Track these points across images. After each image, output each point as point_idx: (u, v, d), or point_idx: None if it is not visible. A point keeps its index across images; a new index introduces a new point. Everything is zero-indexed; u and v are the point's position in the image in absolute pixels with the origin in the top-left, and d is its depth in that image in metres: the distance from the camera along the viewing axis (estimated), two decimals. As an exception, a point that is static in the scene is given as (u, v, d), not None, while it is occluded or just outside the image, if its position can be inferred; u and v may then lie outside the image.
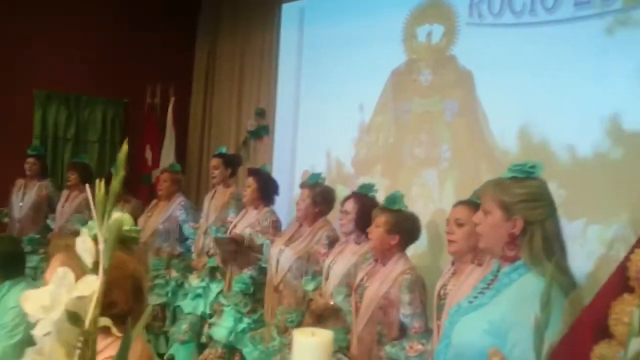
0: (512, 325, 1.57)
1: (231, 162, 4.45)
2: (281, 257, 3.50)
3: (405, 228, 2.78)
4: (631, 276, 1.22)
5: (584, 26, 3.25)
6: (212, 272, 4.16)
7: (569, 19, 3.32)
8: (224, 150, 4.59)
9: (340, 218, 3.21)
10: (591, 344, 0.80)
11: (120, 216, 0.74)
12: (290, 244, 3.53)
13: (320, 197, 3.51)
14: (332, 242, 3.41)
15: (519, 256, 1.64)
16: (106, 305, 0.67)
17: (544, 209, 1.63)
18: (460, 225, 2.61)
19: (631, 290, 1.22)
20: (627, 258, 1.28)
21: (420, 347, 2.57)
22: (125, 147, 0.68)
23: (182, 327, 4.10)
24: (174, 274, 4.40)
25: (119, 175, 0.68)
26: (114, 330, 0.75)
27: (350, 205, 3.14)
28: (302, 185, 3.65)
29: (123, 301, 1.24)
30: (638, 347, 0.74)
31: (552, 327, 0.88)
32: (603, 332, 1.19)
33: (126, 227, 1.34)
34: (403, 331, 2.70)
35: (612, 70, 3.09)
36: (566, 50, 3.29)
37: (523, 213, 1.61)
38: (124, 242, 1.34)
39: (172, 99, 5.70)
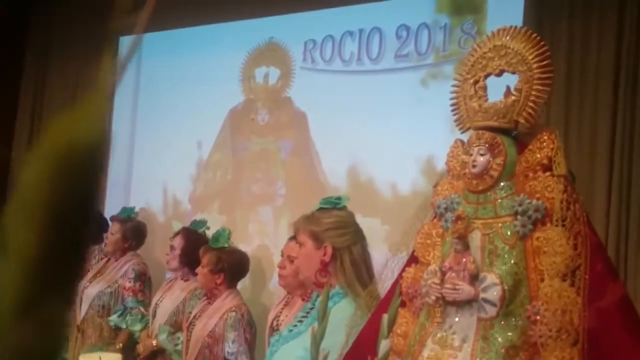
0: (326, 351, 1.65)
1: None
2: (84, 294, 3.36)
3: (229, 265, 2.82)
4: (402, 291, 1.37)
5: (403, 77, 3.60)
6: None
7: (390, 70, 3.65)
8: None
9: (166, 254, 3.16)
10: (371, 351, 0.88)
11: None
12: (95, 279, 3.41)
13: (130, 232, 3.47)
14: (139, 275, 3.36)
15: (331, 283, 1.75)
16: None
17: (350, 236, 1.77)
18: (292, 261, 2.70)
19: (403, 304, 1.36)
20: (399, 276, 1.43)
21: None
22: None
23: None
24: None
25: None
26: None
27: (177, 242, 3.12)
28: (113, 219, 3.58)
29: None
30: (386, 348, 0.83)
31: (332, 338, 0.95)
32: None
33: None
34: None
35: (426, 117, 3.44)
36: (388, 98, 3.61)
37: (331, 240, 1.73)
38: None
39: (-7, 130, 5.24)
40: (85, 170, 0.22)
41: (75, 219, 0.21)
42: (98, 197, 0.22)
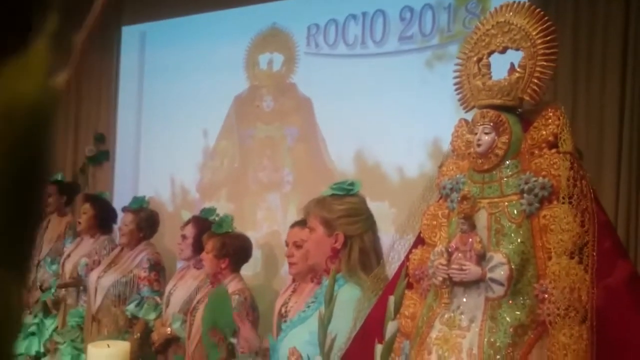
0: (333, 334, 1.66)
1: (66, 190, 4.20)
2: (99, 284, 3.39)
3: (234, 250, 2.83)
4: (409, 273, 1.36)
5: (408, 59, 3.57)
6: (46, 307, 3.88)
7: (394, 52, 3.62)
8: (59, 177, 4.32)
9: (179, 243, 3.18)
10: (379, 333, 0.88)
11: None
12: (109, 269, 3.44)
13: (144, 222, 3.48)
14: (154, 265, 3.37)
15: (340, 269, 1.74)
16: None
17: (362, 223, 1.75)
18: (299, 247, 2.70)
19: (410, 286, 1.35)
20: (406, 258, 1.42)
21: (244, 364, 2.60)
22: None
23: (10, 370, 3.74)
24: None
25: None
26: None
27: (188, 230, 3.13)
28: (125, 209, 3.59)
29: None
30: (394, 330, 0.83)
31: (340, 322, 0.95)
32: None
33: None
34: (232, 352, 2.71)
35: (432, 99, 3.41)
36: (393, 81, 3.58)
37: (343, 228, 1.72)
38: None
39: None
40: (30, 131, 0.19)
41: (23, 186, 0.19)
42: (50, 162, 0.20)
